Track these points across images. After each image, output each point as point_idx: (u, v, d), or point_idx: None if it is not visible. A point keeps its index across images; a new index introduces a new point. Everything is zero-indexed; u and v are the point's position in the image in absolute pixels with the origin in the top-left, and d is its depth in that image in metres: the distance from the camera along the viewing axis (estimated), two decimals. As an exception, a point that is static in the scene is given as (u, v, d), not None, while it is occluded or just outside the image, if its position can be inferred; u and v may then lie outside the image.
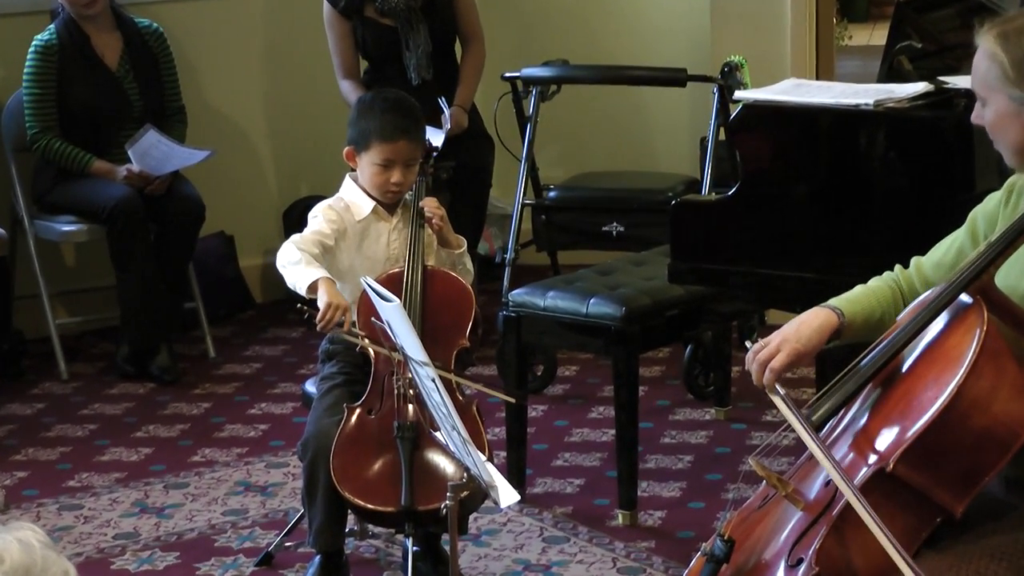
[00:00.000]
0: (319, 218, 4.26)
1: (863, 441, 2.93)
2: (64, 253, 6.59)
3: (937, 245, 3.27)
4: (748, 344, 3.16)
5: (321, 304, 4.01)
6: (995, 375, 2.82)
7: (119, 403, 5.82)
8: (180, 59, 6.37)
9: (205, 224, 6.18)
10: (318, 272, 4.08)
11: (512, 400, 4.39)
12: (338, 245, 4.27)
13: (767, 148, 4.40)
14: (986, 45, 3.06)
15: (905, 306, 3.22)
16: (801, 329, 3.13)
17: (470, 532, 4.51)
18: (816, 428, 2.99)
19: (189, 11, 6.75)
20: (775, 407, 3.03)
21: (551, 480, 5.00)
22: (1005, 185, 3.19)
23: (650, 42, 6.97)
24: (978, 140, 3.97)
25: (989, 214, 3.19)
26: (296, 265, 4.12)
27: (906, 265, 3.28)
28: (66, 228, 6.11)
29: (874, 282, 3.27)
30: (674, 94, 6.54)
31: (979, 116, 3.14)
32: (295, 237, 4.22)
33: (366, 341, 4.08)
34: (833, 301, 3.19)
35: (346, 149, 4.33)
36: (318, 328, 4.05)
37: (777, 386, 3.06)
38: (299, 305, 4.08)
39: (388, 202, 4.31)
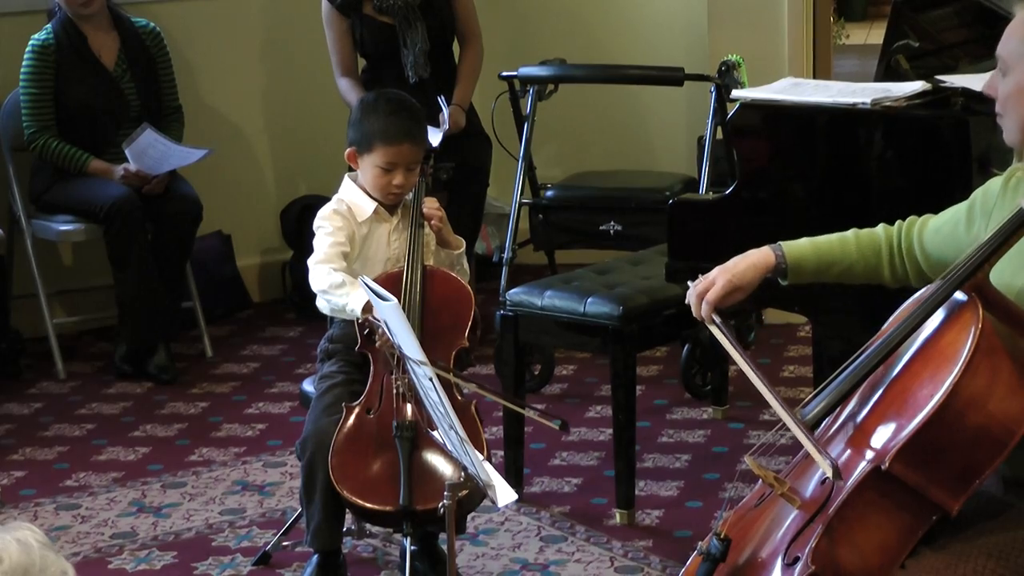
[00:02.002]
0: (328, 227, 4.22)
1: (859, 439, 2.93)
2: (62, 252, 6.59)
3: (944, 211, 3.28)
4: (689, 283, 3.26)
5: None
6: (990, 373, 2.82)
7: (116, 403, 5.82)
8: (177, 58, 6.37)
9: (203, 223, 6.18)
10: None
11: (555, 427, 3.89)
12: (345, 249, 4.27)
13: (764, 147, 4.40)
14: None
15: (893, 257, 3.28)
16: (739, 264, 3.25)
17: (468, 531, 4.52)
18: (812, 427, 2.99)
19: (186, 10, 6.75)
20: (772, 408, 3.03)
21: (548, 479, 5.00)
22: (1006, 173, 3.19)
23: (647, 41, 6.97)
24: (975, 139, 3.99)
25: (987, 201, 3.19)
26: (341, 288, 4.10)
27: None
28: (64, 228, 6.11)
29: (878, 228, 3.31)
30: (671, 93, 6.54)
31: (993, 86, 3.12)
32: (321, 256, 4.18)
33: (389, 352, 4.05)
34: (790, 242, 3.30)
35: (348, 150, 4.31)
36: (378, 344, 4.03)
37: (714, 316, 3.18)
38: (358, 321, 4.07)
39: (389, 203, 4.30)
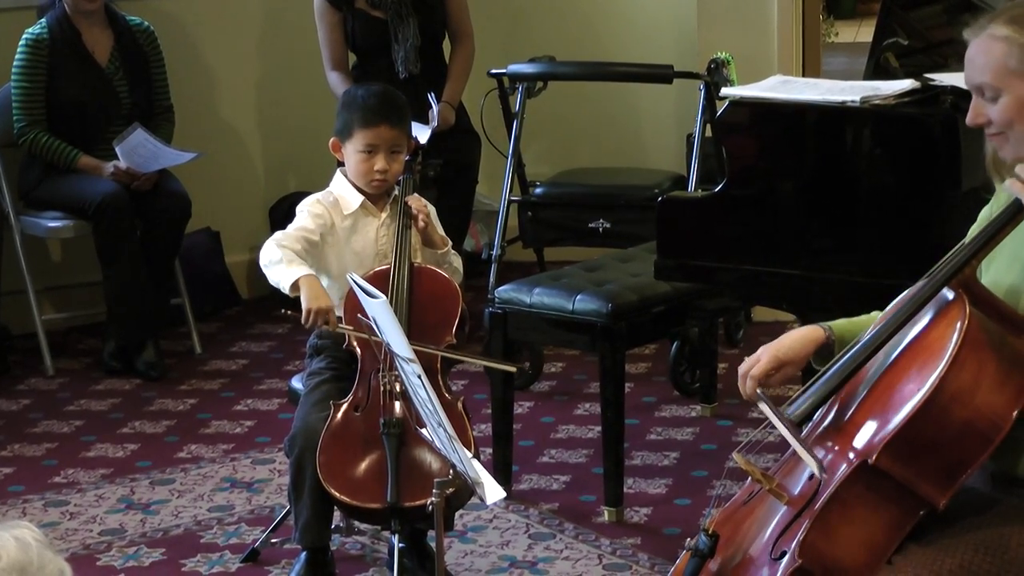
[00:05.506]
0: (304, 213, 4.28)
1: (847, 434, 2.94)
2: (50, 249, 6.58)
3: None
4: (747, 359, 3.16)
5: (304, 305, 4.03)
6: (977, 368, 2.83)
7: (105, 399, 5.82)
8: (169, 54, 6.35)
9: (192, 220, 6.18)
10: (299, 270, 4.09)
11: (512, 368, 4.31)
12: (326, 240, 4.28)
13: (753, 145, 4.40)
14: (998, 33, 2.96)
15: None
16: (784, 339, 3.16)
17: (456, 528, 4.52)
18: (800, 422, 2.99)
19: (179, 7, 6.74)
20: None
21: (537, 477, 5.00)
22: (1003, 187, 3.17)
23: (637, 38, 6.97)
24: (964, 137, 4.00)
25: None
26: (278, 264, 4.13)
27: None
28: (52, 224, 6.10)
29: (869, 315, 3.26)
30: (660, 91, 6.54)
31: (981, 114, 3.02)
32: (278, 235, 4.22)
33: (353, 335, 4.09)
34: (829, 322, 3.20)
35: (331, 140, 4.35)
36: (306, 327, 4.07)
37: (760, 391, 3.07)
38: (284, 311, 4.12)
39: (374, 192, 4.31)
